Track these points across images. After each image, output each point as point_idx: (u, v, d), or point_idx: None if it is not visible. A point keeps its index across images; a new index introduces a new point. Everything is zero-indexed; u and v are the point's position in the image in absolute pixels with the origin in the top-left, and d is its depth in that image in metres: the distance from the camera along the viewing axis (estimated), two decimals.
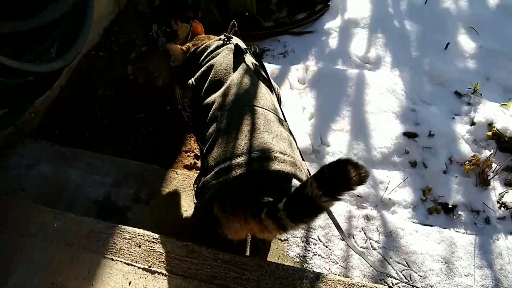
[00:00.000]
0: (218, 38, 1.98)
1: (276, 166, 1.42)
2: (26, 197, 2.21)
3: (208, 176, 1.49)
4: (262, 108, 1.62)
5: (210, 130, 1.61)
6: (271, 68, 2.81)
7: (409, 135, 2.45)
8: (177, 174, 2.31)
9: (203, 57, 1.88)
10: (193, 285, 1.66)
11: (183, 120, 2.21)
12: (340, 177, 1.21)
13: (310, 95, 2.65)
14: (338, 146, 2.42)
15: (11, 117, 1.89)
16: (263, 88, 1.73)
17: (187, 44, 2.01)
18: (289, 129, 1.70)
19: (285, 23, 3.19)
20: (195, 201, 1.60)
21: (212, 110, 1.65)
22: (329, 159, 2.38)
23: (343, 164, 1.21)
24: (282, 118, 1.72)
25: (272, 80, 1.90)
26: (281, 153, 1.47)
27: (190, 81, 1.83)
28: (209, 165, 1.52)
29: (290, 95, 2.66)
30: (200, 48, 1.92)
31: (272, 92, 1.82)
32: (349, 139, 2.45)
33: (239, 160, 1.44)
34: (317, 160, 2.40)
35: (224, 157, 1.48)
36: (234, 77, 1.71)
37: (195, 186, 1.65)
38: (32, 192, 2.24)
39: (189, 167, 2.44)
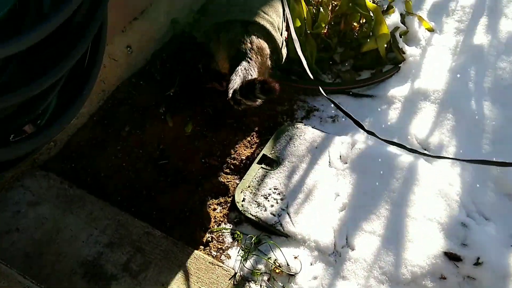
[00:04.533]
0: None
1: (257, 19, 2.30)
2: (18, 239, 2.10)
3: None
4: None
5: None
6: (313, 134, 2.49)
7: (451, 256, 2.05)
8: (180, 250, 2.09)
9: None
10: None
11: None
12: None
13: (348, 179, 2.31)
14: (363, 253, 2.08)
15: None
16: None
17: None
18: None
19: (345, 79, 2.84)
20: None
21: None
22: (349, 267, 2.06)
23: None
24: None
25: None
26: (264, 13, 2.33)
27: None
28: None
29: (326, 175, 2.34)
30: None
31: None
32: (379, 245, 2.10)
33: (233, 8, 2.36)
34: (335, 264, 2.08)
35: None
36: None
37: None
38: (25, 235, 2.14)
39: (203, 244, 2.19)
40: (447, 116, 2.60)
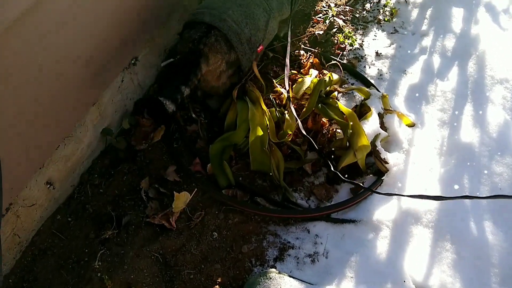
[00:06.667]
0: None
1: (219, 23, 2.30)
2: None
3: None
4: None
5: None
6: (292, 287, 2.01)
7: None
8: None
9: None
10: None
11: None
12: None
13: None
14: None
15: None
16: None
17: None
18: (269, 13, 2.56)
19: (320, 196, 2.37)
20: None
21: None
22: None
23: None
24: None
25: None
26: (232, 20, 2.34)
27: None
28: None
29: None
30: None
31: None
32: None
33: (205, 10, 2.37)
34: None
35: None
36: None
37: None
38: None
39: None
40: (445, 246, 2.19)
